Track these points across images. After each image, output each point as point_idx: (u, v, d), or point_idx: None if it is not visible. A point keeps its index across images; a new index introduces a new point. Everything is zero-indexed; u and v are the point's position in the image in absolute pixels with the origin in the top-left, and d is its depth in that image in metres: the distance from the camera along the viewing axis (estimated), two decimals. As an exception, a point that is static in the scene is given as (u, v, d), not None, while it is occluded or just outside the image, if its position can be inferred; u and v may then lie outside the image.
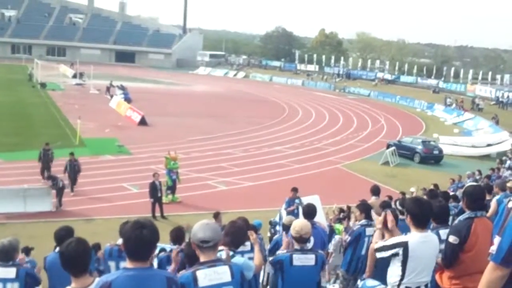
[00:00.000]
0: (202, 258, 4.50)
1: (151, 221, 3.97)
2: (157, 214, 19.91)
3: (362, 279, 7.32)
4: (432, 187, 18.73)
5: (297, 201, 16.68)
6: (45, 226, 17.48)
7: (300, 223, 6.45)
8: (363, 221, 8.77)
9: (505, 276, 3.33)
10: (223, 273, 4.48)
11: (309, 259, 6.24)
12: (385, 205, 9.74)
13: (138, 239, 3.80)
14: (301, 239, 6.26)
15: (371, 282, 5.54)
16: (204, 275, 4.39)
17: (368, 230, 8.64)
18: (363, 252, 8.58)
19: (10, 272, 6.72)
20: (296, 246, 6.32)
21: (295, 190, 17.31)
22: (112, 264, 6.70)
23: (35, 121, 37.91)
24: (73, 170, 21.77)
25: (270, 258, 6.77)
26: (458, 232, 5.71)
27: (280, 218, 16.35)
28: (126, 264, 3.91)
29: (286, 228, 9.20)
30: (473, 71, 74.62)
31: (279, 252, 6.61)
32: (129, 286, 3.77)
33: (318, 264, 6.30)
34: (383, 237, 6.01)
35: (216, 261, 4.52)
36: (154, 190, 19.99)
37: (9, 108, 42.06)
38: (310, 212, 8.52)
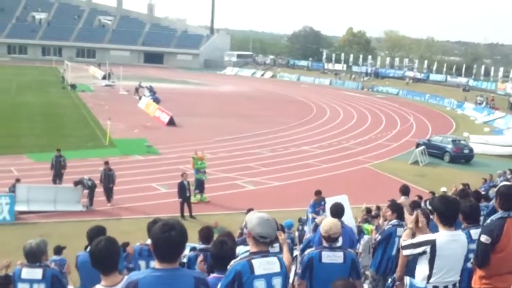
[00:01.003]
0: (254, 249, 4.68)
1: (179, 222, 3.97)
2: (186, 213, 20.01)
3: (392, 278, 7.24)
4: (461, 186, 18.46)
5: (323, 210, 15.80)
6: (75, 225, 17.71)
7: (329, 223, 6.39)
8: (395, 221, 8.67)
9: None
10: (274, 264, 4.68)
11: (337, 257, 6.19)
12: (415, 205, 9.62)
13: (167, 241, 3.81)
14: (330, 239, 6.22)
15: (419, 282, 5.46)
16: (259, 264, 4.58)
17: (399, 231, 8.53)
18: (394, 252, 8.48)
19: (37, 273, 6.81)
20: (325, 244, 6.28)
21: (319, 193, 16.80)
22: (142, 263, 6.75)
23: (66, 122, 38.45)
24: (108, 179, 20.93)
25: (299, 259, 6.73)
26: (490, 231, 5.64)
27: (307, 219, 16.27)
28: (155, 264, 3.94)
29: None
30: (503, 69, 73.32)
31: (308, 250, 6.57)
32: (156, 286, 3.79)
33: (346, 263, 6.23)
34: (413, 237, 5.93)
35: (267, 252, 4.72)
36: (182, 190, 20.08)
37: (40, 109, 42.75)
38: (337, 211, 8.45)
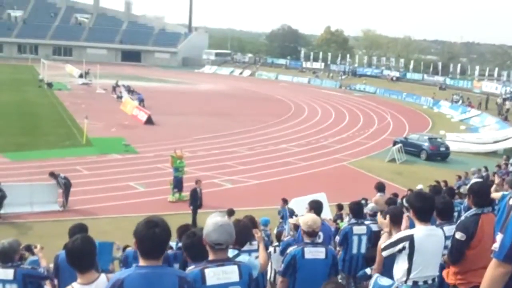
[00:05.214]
0: (211, 257, 4.49)
1: (163, 219, 3.99)
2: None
3: (363, 271, 7.32)
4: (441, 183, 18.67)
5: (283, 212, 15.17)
6: (53, 225, 17.59)
7: (311, 218, 6.48)
8: (352, 220, 8.92)
9: (508, 273, 3.34)
10: (231, 273, 4.47)
11: (319, 252, 6.26)
12: (391, 202, 9.75)
13: (151, 238, 3.83)
14: (313, 233, 6.30)
15: (384, 280, 5.52)
16: (213, 274, 4.38)
17: (356, 229, 8.77)
18: (355, 251, 8.68)
19: (8, 273, 6.76)
20: (307, 239, 6.34)
21: (284, 201, 16.42)
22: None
23: (42, 121, 38.04)
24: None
25: (282, 264, 6.67)
26: (465, 228, 5.69)
27: (286, 217, 16.20)
28: (139, 262, 3.93)
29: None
30: (479, 67, 74.24)
31: (290, 248, 6.60)
32: (141, 284, 3.80)
33: (328, 258, 6.29)
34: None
35: (225, 260, 4.51)
36: (195, 197, 19.25)
37: (16, 108, 42.23)
38: (317, 208, 8.56)
